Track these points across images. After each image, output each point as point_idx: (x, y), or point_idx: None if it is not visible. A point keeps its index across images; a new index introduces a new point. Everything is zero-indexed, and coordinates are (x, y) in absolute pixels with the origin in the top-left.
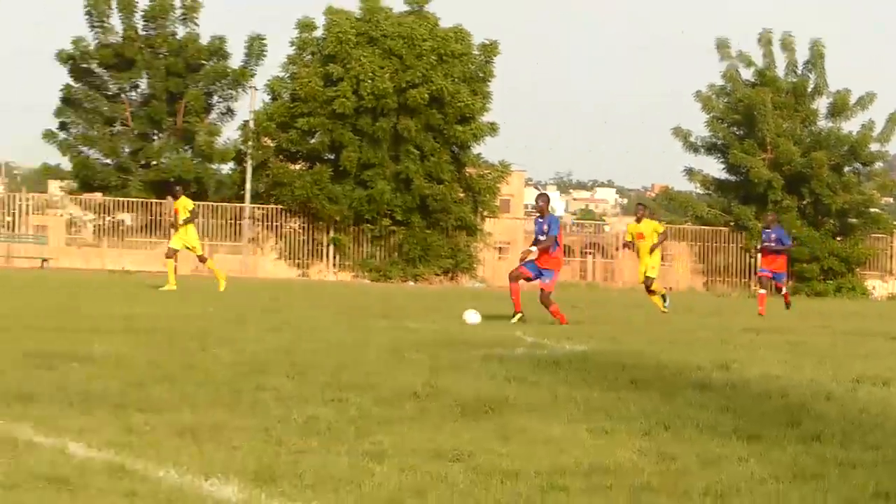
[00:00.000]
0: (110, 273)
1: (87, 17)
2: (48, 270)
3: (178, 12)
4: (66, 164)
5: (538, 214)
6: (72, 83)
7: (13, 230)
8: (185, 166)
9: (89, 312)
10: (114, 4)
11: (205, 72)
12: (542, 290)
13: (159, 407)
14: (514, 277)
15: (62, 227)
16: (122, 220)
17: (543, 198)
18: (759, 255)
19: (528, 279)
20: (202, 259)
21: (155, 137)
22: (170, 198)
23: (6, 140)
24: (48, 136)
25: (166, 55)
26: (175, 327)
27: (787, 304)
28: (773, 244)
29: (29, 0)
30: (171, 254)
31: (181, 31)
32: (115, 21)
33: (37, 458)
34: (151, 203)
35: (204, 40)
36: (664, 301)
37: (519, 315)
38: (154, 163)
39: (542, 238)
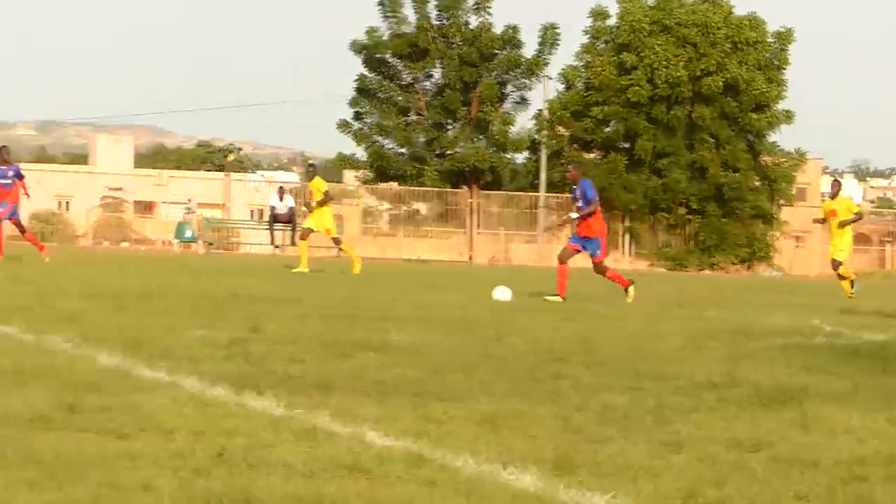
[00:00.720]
0: (406, 262)
1: (380, 7)
2: (343, 259)
3: (472, 2)
4: (360, 153)
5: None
6: (366, 73)
7: None
8: (479, 155)
9: (385, 301)
10: None
11: (498, 61)
12: (594, 263)
13: (457, 396)
14: (564, 258)
15: (358, 217)
16: (417, 210)
17: (574, 165)
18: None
19: (577, 251)
20: (337, 241)
21: (449, 127)
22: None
23: (302, 130)
24: (343, 126)
25: (460, 45)
26: (471, 316)
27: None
28: None
29: None
30: (305, 234)
31: (474, 21)
32: (409, 11)
33: (335, 447)
34: (446, 192)
35: (497, 29)
36: (852, 287)
37: (561, 300)
38: (449, 152)
39: (580, 205)
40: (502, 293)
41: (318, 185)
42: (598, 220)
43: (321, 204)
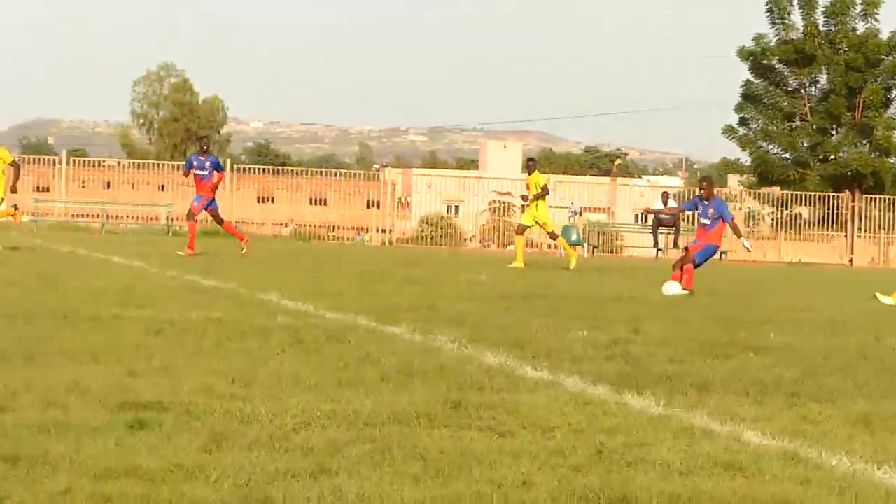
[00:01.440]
0: (788, 265)
1: (768, 14)
2: (726, 262)
3: (859, 8)
4: (744, 158)
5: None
6: (752, 79)
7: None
8: (862, 160)
9: (766, 303)
10: (794, 1)
11: (884, 67)
12: (687, 249)
13: (833, 396)
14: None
15: (740, 221)
16: (800, 214)
17: (707, 181)
18: None
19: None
20: (553, 236)
21: (833, 132)
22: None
23: (687, 135)
24: (728, 131)
25: (846, 51)
26: (850, 318)
27: None
28: None
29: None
30: (521, 230)
31: (861, 27)
32: (796, 17)
33: (713, 445)
34: (829, 196)
35: (884, 35)
36: None
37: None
38: (832, 157)
39: (707, 222)
40: (671, 288)
41: (537, 180)
42: (721, 233)
43: (537, 198)
